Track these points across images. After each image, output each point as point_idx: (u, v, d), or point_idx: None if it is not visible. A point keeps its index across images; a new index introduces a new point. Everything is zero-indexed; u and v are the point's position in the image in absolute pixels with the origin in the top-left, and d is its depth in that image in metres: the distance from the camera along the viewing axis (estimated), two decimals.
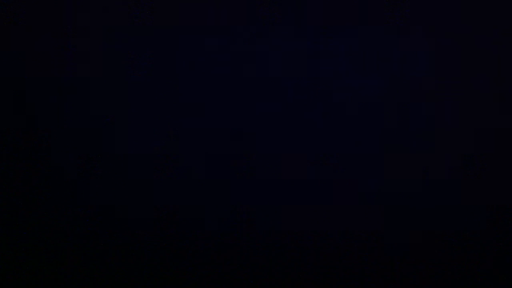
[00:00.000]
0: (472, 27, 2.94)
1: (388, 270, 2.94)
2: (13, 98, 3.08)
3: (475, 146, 2.93)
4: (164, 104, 3.03)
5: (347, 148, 2.97)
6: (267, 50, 2.99)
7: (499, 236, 2.91)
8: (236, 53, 3.00)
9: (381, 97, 2.96)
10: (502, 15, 2.93)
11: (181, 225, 3.02)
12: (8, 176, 3.07)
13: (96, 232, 3.04)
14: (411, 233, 2.93)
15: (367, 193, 2.95)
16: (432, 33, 2.95)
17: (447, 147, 2.95)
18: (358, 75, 2.98)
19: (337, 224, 2.96)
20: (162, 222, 3.02)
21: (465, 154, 2.93)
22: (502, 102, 2.92)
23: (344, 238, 2.96)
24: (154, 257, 3.01)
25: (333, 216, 2.97)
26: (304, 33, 3.01)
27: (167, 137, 3.02)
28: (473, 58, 2.94)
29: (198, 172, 3.01)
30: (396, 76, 2.96)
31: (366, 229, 2.95)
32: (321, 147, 2.99)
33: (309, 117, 2.99)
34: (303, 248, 2.98)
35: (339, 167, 2.97)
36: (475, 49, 2.94)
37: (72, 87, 3.06)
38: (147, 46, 3.05)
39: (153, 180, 3.03)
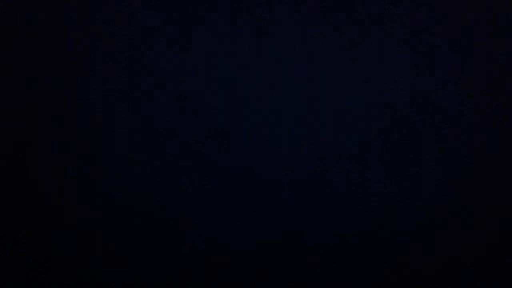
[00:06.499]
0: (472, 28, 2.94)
1: (388, 270, 2.94)
2: (13, 98, 3.09)
3: (475, 146, 2.93)
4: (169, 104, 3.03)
5: (347, 148, 2.98)
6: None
7: (499, 236, 2.90)
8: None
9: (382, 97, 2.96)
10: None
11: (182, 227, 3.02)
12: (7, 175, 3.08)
13: (96, 233, 3.04)
14: (410, 233, 2.93)
15: (367, 193, 2.95)
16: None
17: (447, 147, 2.95)
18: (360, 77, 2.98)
19: (336, 224, 2.96)
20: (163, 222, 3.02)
21: (465, 154, 2.93)
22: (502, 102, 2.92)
23: (343, 237, 2.96)
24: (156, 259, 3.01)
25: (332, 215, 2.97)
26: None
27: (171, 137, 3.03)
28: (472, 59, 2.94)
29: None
30: (398, 76, 2.96)
31: (366, 229, 2.95)
32: (320, 146, 2.99)
33: (309, 116, 2.99)
34: (302, 248, 2.98)
35: (339, 166, 2.97)
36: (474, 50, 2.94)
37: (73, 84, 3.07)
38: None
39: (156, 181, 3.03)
